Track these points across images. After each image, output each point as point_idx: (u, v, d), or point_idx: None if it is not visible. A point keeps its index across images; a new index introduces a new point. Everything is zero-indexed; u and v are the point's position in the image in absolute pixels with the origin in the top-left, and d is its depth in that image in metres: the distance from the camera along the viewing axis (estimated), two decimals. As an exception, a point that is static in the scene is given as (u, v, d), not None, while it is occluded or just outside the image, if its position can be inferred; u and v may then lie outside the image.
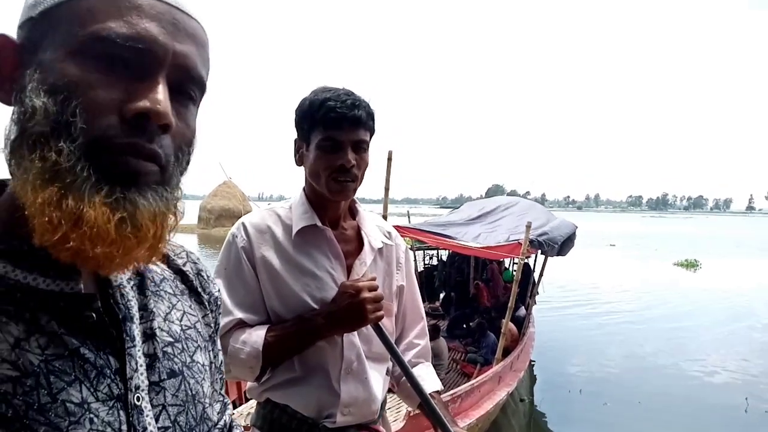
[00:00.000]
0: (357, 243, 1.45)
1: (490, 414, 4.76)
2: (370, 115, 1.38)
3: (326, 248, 1.39)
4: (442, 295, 9.93)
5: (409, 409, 3.80)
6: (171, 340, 0.65)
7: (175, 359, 0.64)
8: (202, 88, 0.60)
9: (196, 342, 0.69)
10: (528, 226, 5.45)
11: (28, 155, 0.50)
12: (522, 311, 7.27)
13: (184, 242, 0.78)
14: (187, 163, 0.60)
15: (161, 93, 0.53)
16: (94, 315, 0.56)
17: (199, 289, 0.75)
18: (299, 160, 1.43)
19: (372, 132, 1.40)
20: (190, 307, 0.72)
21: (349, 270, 1.41)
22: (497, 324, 6.81)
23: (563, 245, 6.76)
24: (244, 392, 5.05)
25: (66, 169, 0.49)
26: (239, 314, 1.34)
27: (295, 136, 1.43)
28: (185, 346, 0.67)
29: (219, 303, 0.78)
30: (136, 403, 0.57)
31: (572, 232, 7.20)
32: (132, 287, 0.63)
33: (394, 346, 1.39)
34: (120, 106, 0.52)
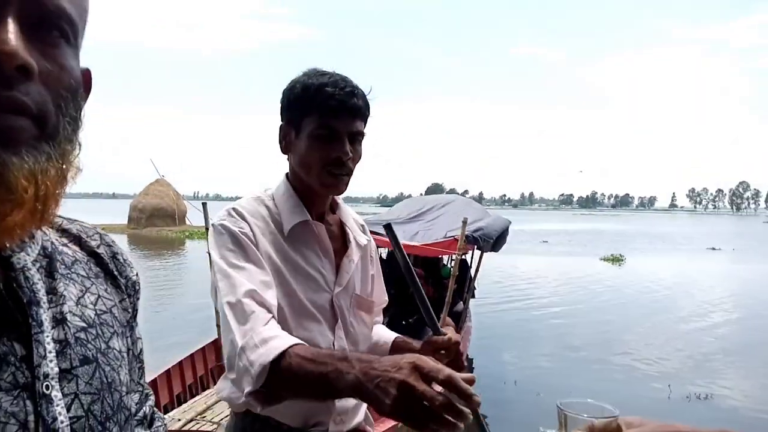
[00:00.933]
0: (341, 239, 1.37)
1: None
2: (367, 105, 1.28)
3: (315, 245, 1.30)
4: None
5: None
6: (84, 325, 0.61)
7: (89, 345, 0.60)
8: (71, 24, 0.53)
9: (112, 327, 0.65)
10: (464, 223, 5.57)
11: None
12: (460, 306, 7.42)
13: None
14: (76, 111, 0.54)
15: (10, 31, 0.47)
16: None
17: (115, 273, 0.71)
18: (285, 148, 1.31)
19: (366, 123, 1.30)
20: (105, 291, 0.67)
21: (337, 269, 1.33)
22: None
23: (497, 240, 6.96)
24: (177, 395, 4.91)
25: None
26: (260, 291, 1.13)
27: (281, 122, 1.31)
28: (100, 331, 0.62)
29: (137, 288, 0.74)
30: (45, 391, 0.53)
31: (506, 227, 7.42)
32: (38, 269, 0.58)
33: None
34: None
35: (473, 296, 7.97)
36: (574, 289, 15.11)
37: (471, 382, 0.86)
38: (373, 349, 1.49)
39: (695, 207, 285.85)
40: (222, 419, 4.18)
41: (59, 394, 0.54)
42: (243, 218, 1.23)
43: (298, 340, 1.05)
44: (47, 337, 0.55)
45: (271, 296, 1.15)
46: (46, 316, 0.56)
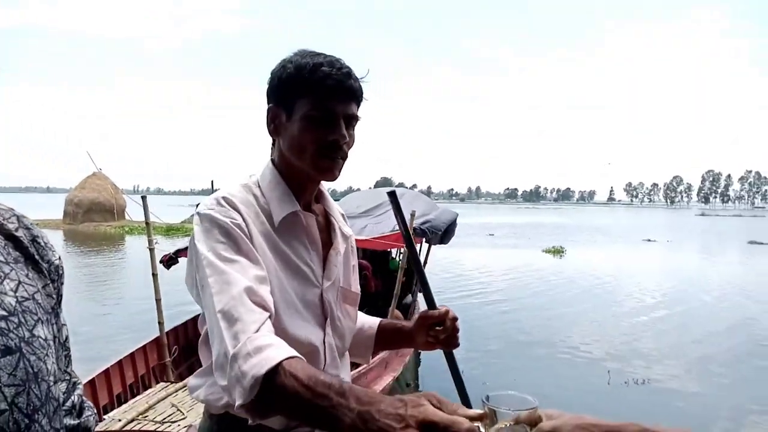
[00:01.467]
0: (326, 231, 1.31)
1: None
2: (362, 90, 1.23)
3: (303, 236, 1.23)
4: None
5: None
6: (4, 313, 0.57)
7: (11, 335, 0.56)
8: None
9: (36, 315, 0.61)
10: (412, 215, 5.59)
11: None
12: (408, 299, 7.48)
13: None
14: None
15: None
16: None
17: (37, 257, 0.66)
18: (275, 131, 1.23)
19: (359, 108, 1.24)
20: (27, 276, 0.63)
21: (324, 261, 1.26)
22: (384, 313, 6.94)
23: (445, 233, 7.03)
24: (117, 395, 4.73)
25: None
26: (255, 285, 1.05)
27: (269, 104, 1.22)
28: (22, 319, 0.59)
29: (61, 272, 0.70)
30: None
31: (453, 220, 7.49)
32: None
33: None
34: None
35: (420, 289, 8.04)
36: (518, 280, 15.49)
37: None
38: (357, 335, 1.44)
39: (632, 200, 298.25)
40: (165, 419, 4.05)
41: None
42: (234, 208, 1.14)
43: (292, 352, 0.95)
44: None
45: (267, 292, 1.07)
46: None
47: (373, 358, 1.51)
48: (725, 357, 8.17)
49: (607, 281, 15.55)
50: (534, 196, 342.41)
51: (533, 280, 15.48)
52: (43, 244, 0.68)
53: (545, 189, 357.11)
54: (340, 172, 1.22)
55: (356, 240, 5.90)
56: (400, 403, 0.81)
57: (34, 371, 0.57)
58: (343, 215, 1.41)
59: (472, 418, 0.79)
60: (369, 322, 1.48)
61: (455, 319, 1.37)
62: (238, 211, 1.13)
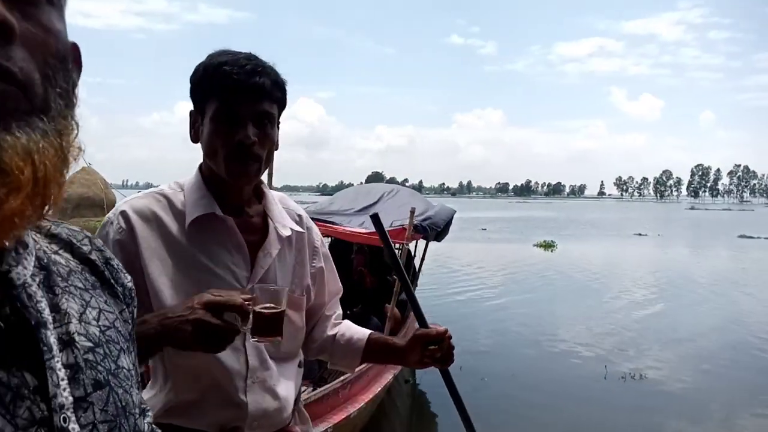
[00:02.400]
0: (264, 231, 1.28)
1: (378, 397, 4.84)
2: (277, 84, 1.19)
3: (226, 240, 1.20)
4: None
5: (302, 398, 3.73)
6: (91, 345, 0.53)
7: (99, 367, 0.52)
8: None
9: (119, 344, 0.58)
10: (412, 212, 5.58)
11: None
12: (403, 295, 7.45)
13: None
14: (66, 82, 0.46)
15: None
16: (1, 324, 0.44)
17: (112, 281, 0.62)
18: (195, 136, 1.21)
19: (281, 105, 1.21)
20: (105, 302, 0.59)
21: (253, 263, 1.23)
22: (379, 308, 6.92)
23: (442, 230, 7.03)
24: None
25: None
26: None
27: (191, 108, 1.21)
28: (107, 350, 0.55)
29: (133, 295, 0.65)
30: (63, 425, 0.46)
31: (451, 216, 7.51)
32: (39, 285, 0.50)
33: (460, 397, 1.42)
34: None
35: (416, 285, 8.03)
36: (510, 275, 15.54)
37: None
38: (345, 347, 1.44)
39: (622, 195, 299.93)
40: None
41: (77, 426, 0.48)
42: (125, 219, 1.15)
43: None
44: (58, 362, 0.48)
45: None
46: (53, 338, 0.48)
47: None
48: (720, 350, 8.23)
49: (599, 275, 15.63)
50: (525, 190, 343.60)
51: (525, 275, 15.52)
52: (115, 266, 0.64)
53: (536, 183, 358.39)
54: (257, 174, 1.20)
55: (352, 234, 5.86)
56: (187, 300, 1.03)
57: (122, 405, 0.54)
58: (300, 216, 1.39)
59: (244, 299, 1.03)
60: (358, 333, 1.45)
61: (450, 336, 1.37)
62: (128, 223, 1.14)
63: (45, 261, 0.53)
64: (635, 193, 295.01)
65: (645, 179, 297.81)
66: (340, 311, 1.52)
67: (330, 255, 1.50)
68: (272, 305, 1.09)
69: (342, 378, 4.23)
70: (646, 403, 6.13)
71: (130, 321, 0.64)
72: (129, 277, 0.66)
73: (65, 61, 0.46)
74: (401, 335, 6.11)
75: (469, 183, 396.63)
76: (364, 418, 4.61)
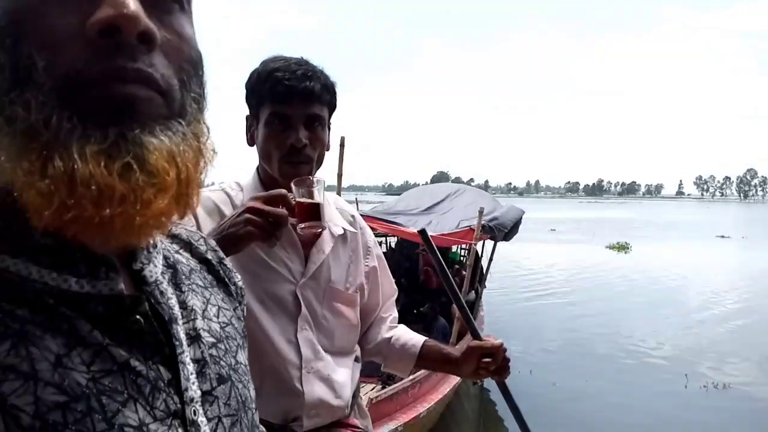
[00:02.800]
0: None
1: (447, 397, 4.82)
2: (327, 88, 1.23)
3: (282, 237, 1.25)
4: (391, 282, 9.91)
5: (371, 396, 3.80)
6: (214, 340, 0.55)
7: (221, 362, 0.55)
8: None
9: (236, 340, 0.60)
10: (480, 212, 5.52)
11: None
12: (471, 295, 7.38)
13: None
14: (200, 87, 0.48)
15: None
16: (141, 320, 0.46)
17: (226, 279, 0.65)
18: (251, 140, 1.28)
19: (331, 108, 1.27)
20: (222, 300, 0.62)
21: (306, 259, 1.29)
22: (447, 309, 6.88)
23: (511, 230, 6.91)
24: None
25: (40, 124, 0.38)
26: None
27: (248, 113, 1.28)
28: (228, 346, 0.57)
29: (244, 293, 0.68)
30: (193, 417, 0.48)
31: (520, 217, 7.38)
32: (168, 282, 0.53)
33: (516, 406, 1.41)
34: (79, 28, 0.39)
35: (485, 286, 7.93)
36: (582, 278, 15.05)
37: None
38: (400, 351, 1.46)
39: (702, 194, 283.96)
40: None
41: (204, 419, 0.50)
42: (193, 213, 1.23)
43: None
44: (187, 357, 0.50)
45: None
46: (183, 333, 0.51)
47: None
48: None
49: (677, 279, 14.90)
50: (597, 190, 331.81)
51: (597, 278, 15.01)
52: (228, 265, 0.67)
53: (609, 183, 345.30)
54: (309, 175, 1.23)
55: (415, 236, 5.83)
56: (235, 211, 1.10)
57: (242, 399, 0.56)
58: (353, 216, 1.44)
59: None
60: (413, 339, 1.47)
61: (505, 349, 1.37)
62: (195, 216, 1.20)
63: (171, 260, 0.56)
64: (717, 193, 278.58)
65: (727, 178, 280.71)
66: (395, 314, 1.55)
67: (384, 257, 1.53)
68: (309, 199, 1.14)
69: (411, 377, 4.24)
70: (733, 416, 5.79)
71: (242, 318, 0.66)
72: (239, 276, 0.69)
73: (197, 67, 0.48)
74: (469, 337, 6.03)
75: (537, 182, 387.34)
76: (433, 418, 4.60)
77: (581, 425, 5.55)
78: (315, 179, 1.15)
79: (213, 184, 1.38)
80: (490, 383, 6.40)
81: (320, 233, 1.26)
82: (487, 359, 1.36)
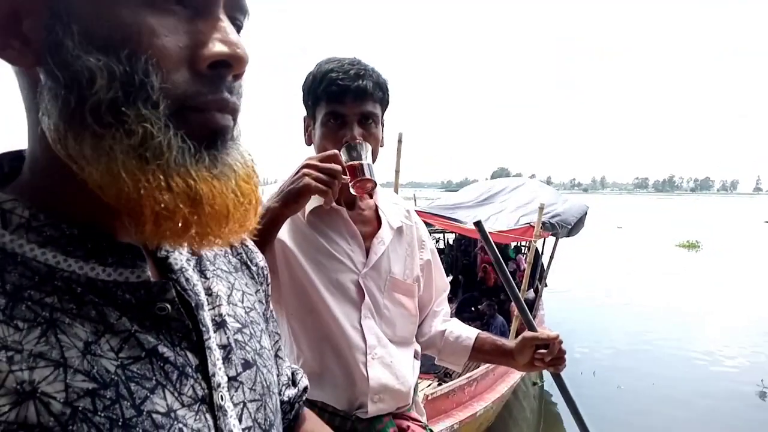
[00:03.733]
0: (375, 223, 1.38)
1: (504, 397, 4.74)
2: (379, 86, 1.27)
3: (343, 229, 1.32)
4: (449, 279, 9.86)
5: (427, 393, 3.79)
6: (239, 325, 0.56)
7: (247, 347, 0.56)
8: (247, 14, 0.49)
9: (260, 324, 0.61)
10: (540, 208, 5.36)
11: (102, 130, 0.40)
12: (531, 294, 7.21)
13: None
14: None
15: (233, 32, 0.43)
16: (168, 306, 0.47)
17: (248, 262, 0.66)
18: (308, 139, 1.34)
19: (384, 104, 1.31)
20: (246, 285, 0.63)
21: (368, 251, 1.34)
22: (505, 307, 6.76)
23: (574, 226, 6.68)
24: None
25: (161, 142, 0.40)
26: None
27: (305, 113, 1.34)
28: (252, 331, 0.58)
29: (266, 273, 0.68)
30: (221, 403, 0.49)
31: (584, 213, 7.11)
32: (193, 269, 0.54)
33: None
34: (190, 54, 0.42)
35: (546, 285, 7.72)
36: (651, 277, 14.43)
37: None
38: (454, 344, 1.50)
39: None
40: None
41: (231, 405, 0.51)
42: None
43: None
44: (213, 343, 0.51)
45: None
46: (209, 319, 0.52)
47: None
48: None
49: (753, 281, 13.98)
50: (667, 185, 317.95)
51: (666, 277, 14.34)
52: (250, 246, 0.68)
53: (680, 178, 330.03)
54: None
55: (472, 232, 5.72)
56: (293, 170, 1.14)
57: (267, 384, 0.57)
58: (408, 212, 1.49)
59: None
60: (467, 332, 1.51)
61: (561, 341, 1.39)
62: None
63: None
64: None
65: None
66: (448, 309, 1.59)
67: (436, 251, 1.57)
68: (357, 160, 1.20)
69: (467, 375, 4.20)
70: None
71: (264, 301, 0.66)
72: (261, 256, 0.69)
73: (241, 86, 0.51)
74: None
75: (603, 178, 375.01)
76: (490, 417, 4.54)
77: (645, 429, 5.31)
78: (360, 143, 1.21)
79: (276, 182, 1.44)
80: (551, 385, 6.27)
81: (373, 187, 1.29)
82: (542, 350, 1.38)
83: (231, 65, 0.43)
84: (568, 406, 1.46)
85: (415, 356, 1.45)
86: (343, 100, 1.23)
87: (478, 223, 1.44)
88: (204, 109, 0.43)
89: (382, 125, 1.33)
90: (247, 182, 0.46)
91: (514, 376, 4.96)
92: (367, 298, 1.32)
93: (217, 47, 0.42)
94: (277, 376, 0.64)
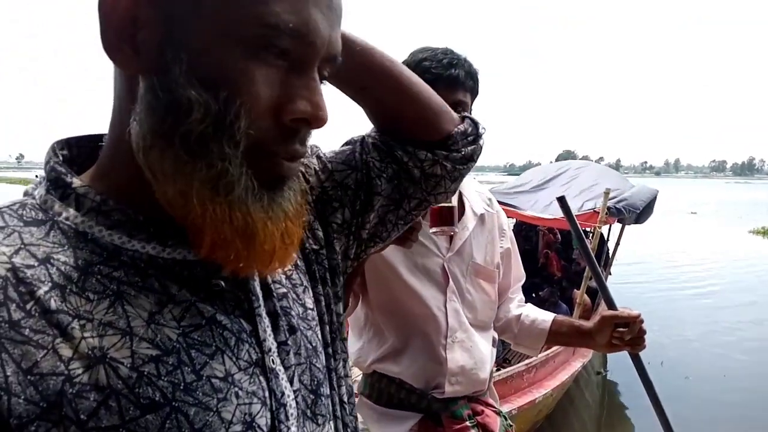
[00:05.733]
0: (459, 209, 1.40)
1: (565, 384, 4.67)
2: (470, 75, 1.29)
3: (427, 215, 1.35)
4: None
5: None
6: (284, 291, 0.60)
7: (291, 313, 0.59)
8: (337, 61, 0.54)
9: (302, 285, 0.64)
10: (606, 194, 5.19)
11: (187, 157, 0.44)
12: (593, 282, 7.00)
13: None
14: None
15: (320, 93, 0.48)
16: (222, 282, 0.52)
17: None
18: None
19: (474, 93, 1.32)
20: None
21: (451, 237, 1.39)
22: (568, 294, 6.62)
23: (643, 212, 6.39)
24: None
25: (234, 179, 0.45)
26: None
27: None
28: (295, 294, 0.62)
29: (313, 227, 0.69)
30: (273, 366, 0.53)
31: (653, 198, 6.78)
32: None
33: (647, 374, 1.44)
34: (278, 107, 0.46)
35: (610, 273, 7.48)
36: (724, 265, 13.69)
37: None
38: (530, 327, 1.51)
39: None
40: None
41: (282, 368, 0.55)
42: None
43: None
44: (263, 310, 0.56)
45: None
46: (258, 289, 0.57)
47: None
48: None
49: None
50: (746, 169, 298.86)
51: (740, 265, 13.53)
52: None
53: (761, 161, 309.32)
54: None
55: (539, 219, 5.60)
56: None
57: (312, 346, 0.60)
58: (490, 200, 1.51)
59: None
60: (543, 314, 1.52)
61: (642, 320, 1.37)
62: None
63: None
64: None
65: None
66: (522, 296, 1.61)
67: (515, 240, 1.59)
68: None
69: (527, 361, 4.16)
70: None
71: (313, 256, 0.67)
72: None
73: None
74: (599, 312, 5.67)
75: (677, 161, 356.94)
76: (549, 404, 4.49)
77: (713, 423, 5.10)
78: None
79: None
80: (615, 375, 6.09)
81: (453, 235, 1.35)
82: (621, 329, 1.36)
83: (310, 123, 0.47)
84: (645, 388, 1.46)
85: (493, 344, 1.49)
86: (435, 88, 1.24)
87: (561, 199, 1.44)
88: (276, 156, 0.48)
89: (470, 113, 1.35)
90: (293, 223, 0.50)
91: (576, 364, 4.87)
92: (451, 282, 1.37)
93: (302, 106, 0.47)
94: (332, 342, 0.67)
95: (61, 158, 0.51)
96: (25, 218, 0.47)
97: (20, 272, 0.43)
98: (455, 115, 0.78)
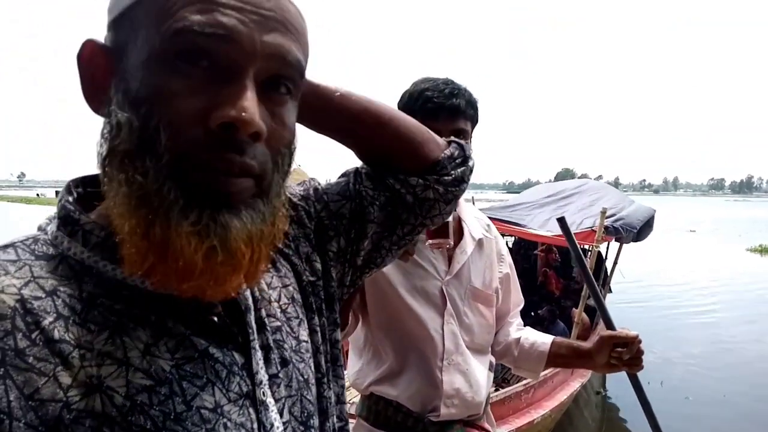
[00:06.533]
0: (458, 234, 1.44)
1: (564, 405, 4.63)
2: (471, 104, 1.33)
3: (426, 237, 1.37)
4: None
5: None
6: (278, 324, 0.61)
7: (284, 346, 0.60)
8: (297, 81, 0.53)
9: (297, 317, 0.64)
10: (603, 213, 5.20)
11: (116, 175, 0.47)
12: (592, 301, 6.97)
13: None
14: (289, 165, 0.55)
15: (248, 98, 0.47)
16: (215, 318, 0.54)
17: (286, 250, 0.68)
18: None
19: (474, 121, 1.36)
20: (284, 276, 0.66)
21: (450, 260, 1.41)
22: (566, 313, 6.59)
23: (641, 230, 6.40)
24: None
25: (153, 193, 0.45)
26: None
27: None
28: (289, 328, 0.62)
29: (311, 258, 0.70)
30: (263, 398, 0.54)
31: (650, 217, 6.79)
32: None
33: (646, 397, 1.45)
34: (204, 116, 0.46)
35: (610, 291, 7.46)
36: (723, 284, 13.65)
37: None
38: (530, 350, 1.52)
39: None
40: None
41: (272, 400, 0.56)
42: None
43: None
44: (256, 343, 0.57)
45: None
46: (253, 321, 0.58)
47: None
48: None
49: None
50: (745, 187, 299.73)
51: (738, 284, 13.52)
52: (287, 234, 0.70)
53: (759, 179, 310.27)
54: None
55: (537, 236, 5.62)
56: None
57: (303, 378, 0.61)
58: (488, 225, 1.54)
59: None
60: (542, 337, 1.53)
61: (640, 340, 1.38)
62: None
63: None
64: None
65: None
66: (521, 321, 1.62)
67: (514, 265, 1.61)
68: None
69: (525, 382, 4.13)
70: None
71: (310, 288, 0.68)
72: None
73: (292, 146, 0.55)
74: (597, 332, 5.64)
75: (675, 179, 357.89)
76: (548, 425, 4.45)
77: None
78: None
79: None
80: (615, 396, 6.04)
81: (448, 248, 1.36)
82: (619, 349, 1.38)
83: (238, 127, 0.46)
84: (642, 408, 1.47)
85: (490, 368, 1.50)
86: (437, 117, 1.28)
87: (561, 219, 1.46)
88: (207, 167, 0.47)
89: (470, 141, 1.38)
90: (247, 243, 0.48)
91: (574, 384, 4.84)
92: (449, 304, 1.38)
93: (225, 110, 0.46)
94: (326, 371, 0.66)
95: (76, 195, 0.54)
96: (36, 252, 0.50)
97: (28, 303, 0.46)
98: (441, 140, 0.80)
